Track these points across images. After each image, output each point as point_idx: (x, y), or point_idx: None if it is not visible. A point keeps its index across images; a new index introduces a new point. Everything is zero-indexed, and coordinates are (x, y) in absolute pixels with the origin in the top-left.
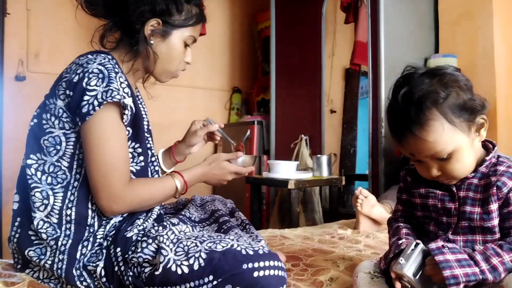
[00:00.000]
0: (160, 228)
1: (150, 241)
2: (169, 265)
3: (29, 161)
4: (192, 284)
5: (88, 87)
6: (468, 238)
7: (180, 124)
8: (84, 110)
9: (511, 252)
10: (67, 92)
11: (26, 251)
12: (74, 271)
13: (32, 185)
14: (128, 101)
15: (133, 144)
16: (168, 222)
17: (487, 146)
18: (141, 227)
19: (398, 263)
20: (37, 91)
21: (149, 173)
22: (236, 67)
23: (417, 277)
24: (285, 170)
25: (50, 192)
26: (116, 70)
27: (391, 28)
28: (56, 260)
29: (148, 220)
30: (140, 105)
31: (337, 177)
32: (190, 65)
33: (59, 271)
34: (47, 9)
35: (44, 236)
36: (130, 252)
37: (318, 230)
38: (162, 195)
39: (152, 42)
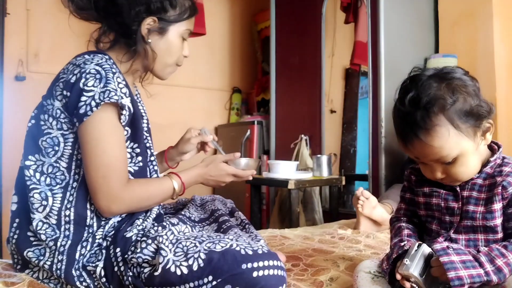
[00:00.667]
0: (160, 228)
1: (149, 241)
2: (168, 266)
3: (27, 162)
4: (191, 284)
5: (86, 88)
6: (470, 237)
7: (179, 124)
8: (82, 111)
9: None
10: (65, 92)
11: (25, 252)
12: (73, 272)
13: (31, 186)
14: (126, 101)
15: (132, 144)
16: (168, 222)
17: (492, 147)
18: (141, 227)
19: (403, 264)
20: (37, 91)
21: (148, 173)
22: (236, 67)
23: (423, 277)
24: (285, 170)
25: (49, 193)
26: (114, 70)
27: (391, 28)
28: (55, 260)
29: (148, 219)
30: (139, 104)
31: (337, 177)
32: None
33: (58, 271)
34: (47, 9)
35: (43, 237)
36: (129, 252)
37: (318, 230)
38: (160, 196)
39: (150, 40)
